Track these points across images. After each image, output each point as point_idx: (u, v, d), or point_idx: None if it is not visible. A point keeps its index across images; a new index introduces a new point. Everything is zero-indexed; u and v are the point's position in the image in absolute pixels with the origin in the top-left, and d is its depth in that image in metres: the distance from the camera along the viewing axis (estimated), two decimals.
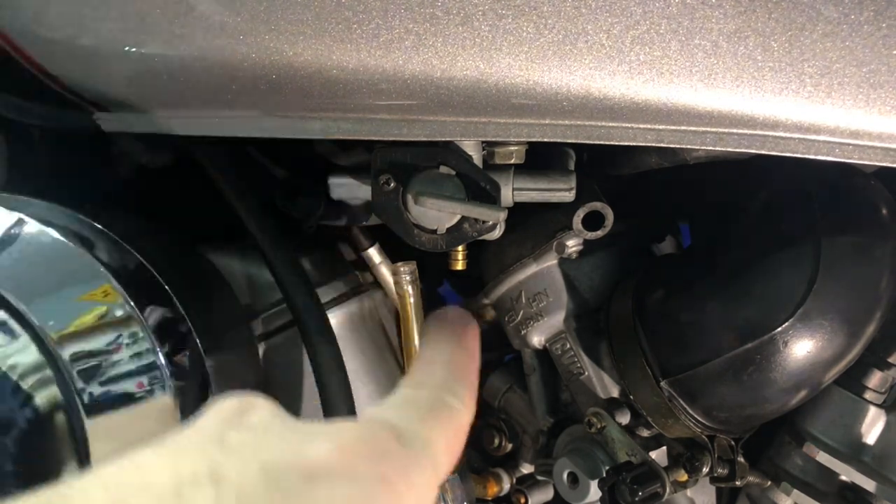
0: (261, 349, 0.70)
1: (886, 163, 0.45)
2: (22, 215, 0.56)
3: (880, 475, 0.65)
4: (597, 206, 0.62)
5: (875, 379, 0.66)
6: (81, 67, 0.52)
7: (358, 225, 0.71)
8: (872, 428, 0.67)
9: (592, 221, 0.63)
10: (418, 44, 0.46)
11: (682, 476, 0.68)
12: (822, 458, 0.67)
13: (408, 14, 0.45)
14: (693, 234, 0.89)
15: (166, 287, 0.59)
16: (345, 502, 0.28)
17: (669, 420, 0.66)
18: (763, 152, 0.47)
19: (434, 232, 0.59)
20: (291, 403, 0.70)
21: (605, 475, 0.66)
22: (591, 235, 0.63)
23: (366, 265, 0.76)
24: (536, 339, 0.74)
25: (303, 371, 0.70)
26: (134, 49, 0.50)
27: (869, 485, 0.65)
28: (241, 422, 0.30)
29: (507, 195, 0.60)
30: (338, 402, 0.61)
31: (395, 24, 0.46)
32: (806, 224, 0.59)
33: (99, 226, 0.60)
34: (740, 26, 0.43)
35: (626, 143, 0.49)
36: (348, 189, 0.63)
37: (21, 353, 0.51)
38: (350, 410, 0.62)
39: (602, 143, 0.49)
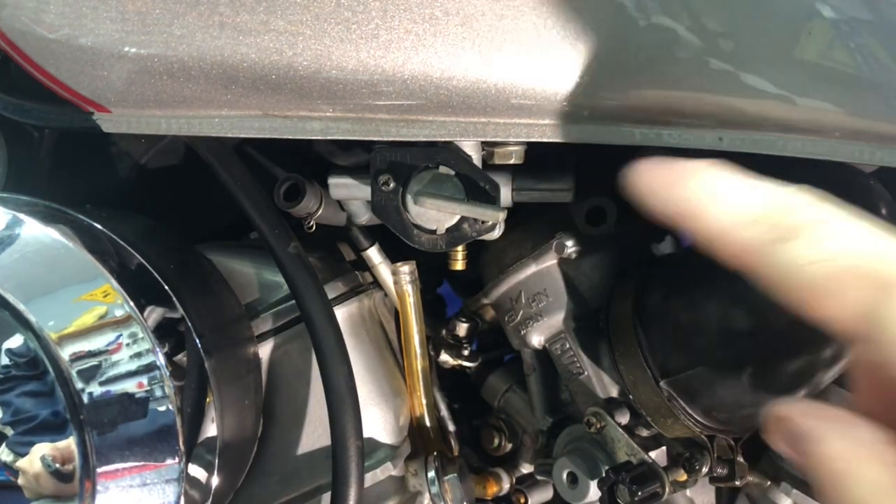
0: (261, 348, 0.70)
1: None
2: (22, 215, 0.56)
3: None
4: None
5: None
6: (81, 67, 0.52)
7: (358, 225, 0.71)
8: None
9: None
10: (418, 44, 0.46)
11: (682, 476, 0.68)
12: None
13: (407, 14, 0.46)
14: None
15: (166, 287, 0.59)
16: None
17: (669, 420, 0.66)
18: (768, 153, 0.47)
19: (434, 232, 0.59)
20: (291, 403, 0.70)
21: (604, 475, 0.66)
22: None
23: (366, 265, 0.76)
24: (536, 339, 0.74)
25: (303, 370, 0.70)
26: (134, 49, 0.50)
27: None
28: None
29: (507, 195, 0.60)
30: (343, 397, 0.61)
31: (395, 24, 0.46)
32: None
33: (99, 226, 0.60)
34: None
35: (626, 144, 0.49)
36: (348, 189, 0.63)
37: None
38: (354, 406, 0.61)
39: (602, 143, 0.49)
